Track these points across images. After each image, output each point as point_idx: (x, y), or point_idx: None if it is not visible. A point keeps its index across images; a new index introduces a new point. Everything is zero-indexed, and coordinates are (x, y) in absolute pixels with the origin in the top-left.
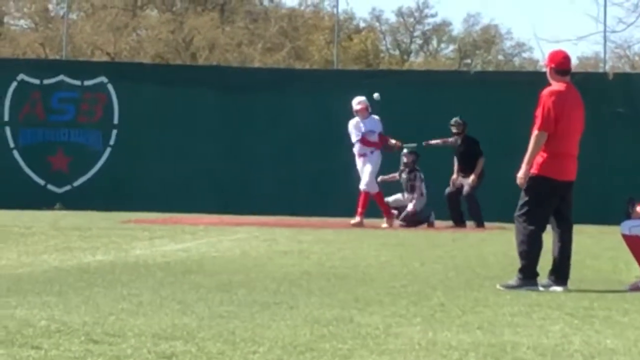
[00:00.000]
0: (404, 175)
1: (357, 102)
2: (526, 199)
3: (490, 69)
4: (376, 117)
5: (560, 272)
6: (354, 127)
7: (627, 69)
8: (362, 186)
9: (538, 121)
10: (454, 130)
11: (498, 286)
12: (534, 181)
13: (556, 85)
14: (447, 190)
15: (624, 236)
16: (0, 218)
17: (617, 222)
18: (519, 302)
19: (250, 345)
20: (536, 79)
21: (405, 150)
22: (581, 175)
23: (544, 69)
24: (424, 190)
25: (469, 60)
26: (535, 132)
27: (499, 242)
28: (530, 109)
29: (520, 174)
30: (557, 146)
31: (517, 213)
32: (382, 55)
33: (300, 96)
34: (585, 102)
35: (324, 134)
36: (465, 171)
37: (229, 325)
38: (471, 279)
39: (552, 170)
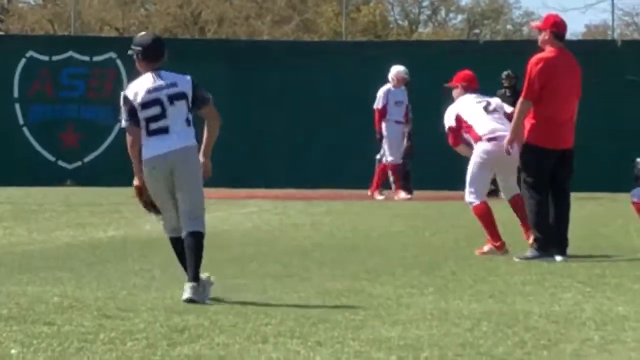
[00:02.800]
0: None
1: (397, 71)
2: (522, 168)
3: (499, 38)
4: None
5: (558, 242)
6: (382, 94)
7: (636, 36)
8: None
9: (524, 89)
10: (505, 84)
11: (515, 258)
12: (524, 149)
13: (546, 52)
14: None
15: (634, 203)
16: (11, 195)
17: (629, 189)
18: (530, 270)
19: (262, 318)
20: None
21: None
22: (593, 142)
23: (534, 33)
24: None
25: (477, 30)
26: (520, 100)
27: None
28: None
29: (505, 141)
30: (545, 113)
31: (520, 183)
32: (390, 26)
33: (311, 69)
34: (595, 70)
35: (335, 106)
36: None
37: (241, 298)
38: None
39: (540, 138)
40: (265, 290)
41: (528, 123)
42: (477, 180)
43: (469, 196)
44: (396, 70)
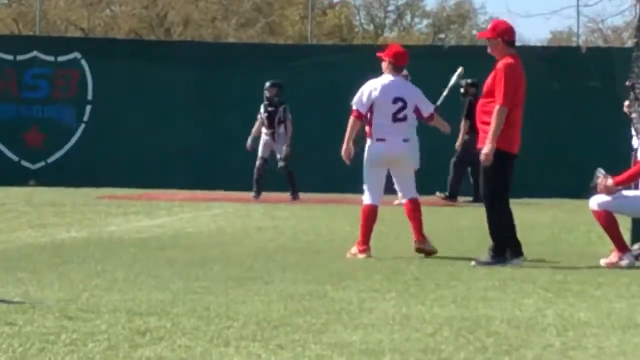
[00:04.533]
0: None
1: None
2: (489, 175)
3: (465, 43)
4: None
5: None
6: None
7: (600, 43)
8: None
9: (500, 96)
10: (469, 91)
11: (472, 263)
12: (497, 156)
13: (509, 58)
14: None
15: (593, 212)
16: None
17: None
18: (492, 276)
19: (224, 321)
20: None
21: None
22: (557, 149)
23: (478, 42)
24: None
25: (442, 35)
26: (497, 108)
27: (473, 215)
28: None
29: (486, 150)
30: (512, 118)
31: (483, 192)
32: (356, 30)
33: (274, 71)
34: (560, 76)
35: (296, 108)
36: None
37: (203, 300)
38: (445, 253)
39: (510, 144)
40: (228, 293)
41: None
42: (367, 180)
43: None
44: None
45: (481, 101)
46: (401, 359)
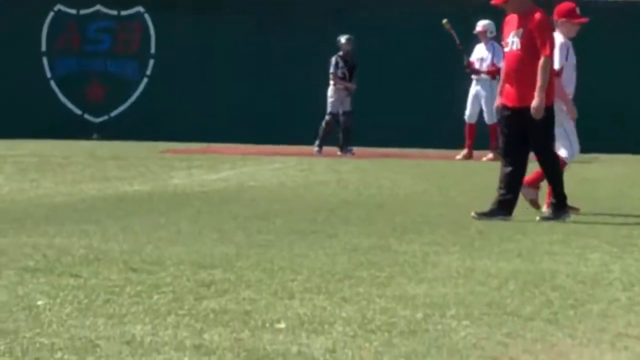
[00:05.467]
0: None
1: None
2: (546, 130)
3: None
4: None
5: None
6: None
7: None
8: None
9: (547, 47)
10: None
11: (537, 218)
12: (549, 111)
13: (538, 10)
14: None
15: None
16: (38, 148)
17: None
18: (557, 230)
19: (288, 274)
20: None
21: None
22: (622, 104)
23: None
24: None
25: None
26: (545, 59)
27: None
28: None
29: (537, 104)
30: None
31: (539, 147)
32: None
33: (331, 28)
34: (626, 32)
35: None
36: None
37: (267, 254)
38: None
39: (549, 97)
40: (292, 247)
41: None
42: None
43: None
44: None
45: (516, 54)
46: (466, 312)
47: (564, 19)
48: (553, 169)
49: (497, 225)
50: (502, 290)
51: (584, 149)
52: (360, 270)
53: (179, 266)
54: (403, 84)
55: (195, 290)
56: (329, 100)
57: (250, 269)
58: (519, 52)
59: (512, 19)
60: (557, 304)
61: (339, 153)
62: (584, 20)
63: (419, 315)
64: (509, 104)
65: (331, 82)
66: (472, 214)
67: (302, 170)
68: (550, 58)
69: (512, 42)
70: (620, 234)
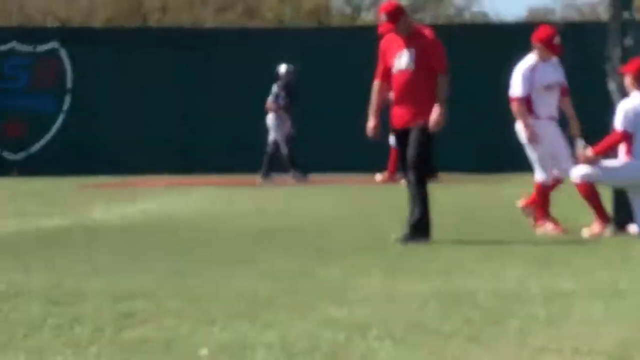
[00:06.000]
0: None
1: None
2: (425, 145)
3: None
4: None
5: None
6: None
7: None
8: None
9: (443, 63)
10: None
11: (394, 237)
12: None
13: (427, 28)
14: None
15: (575, 183)
16: None
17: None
18: (475, 249)
19: (210, 301)
20: (491, 30)
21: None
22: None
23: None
24: None
25: (419, 15)
26: (444, 76)
27: (454, 192)
28: (481, 61)
29: (438, 116)
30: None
31: (415, 163)
32: (333, 12)
33: (253, 54)
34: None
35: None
36: None
37: (189, 282)
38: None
39: None
40: (213, 275)
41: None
42: None
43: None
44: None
45: (407, 74)
46: (388, 332)
47: (539, 44)
48: (419, 189)
49: (417, 247)
50: (423, 310)
51: (501, 168)
52: (282, 296)
53: (100, 298)
54: (320, 111)
55: (117, 321)
56: (271, 128)
57: (171, 297)
58: (411, 72)
59: (394, 41)
60: (478, 322)
61: (258, 181)
62: (557, 51)
63: (341, 337)
64: (400, 126)
65: (271, 111)
66: (394, 237)
67: (223, 200)
68: (447, 74)
69: (401, 63)
70: (538, 251)
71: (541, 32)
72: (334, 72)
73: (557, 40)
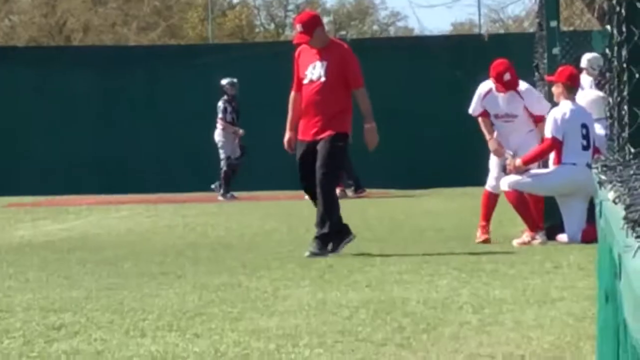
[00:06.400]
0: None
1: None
2: (340, 156)
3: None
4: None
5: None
6: None
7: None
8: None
9: (358, 77)
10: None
11: (306, 254)
12: (343, 138)
13: (341, 42)
14: None
15: (505, 192)
16: None
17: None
18: (405, 260)
19: (139, 314)
20: (416, 44)
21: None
22: (460, 137)
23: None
24: None
25: (344, 32)
26: (363, 89)
27: (382, 206)
28: (405, 75)
29: (372, 127)
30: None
31: (327, 175)
32: (257, 30)
33: (176, 72)
34: (462, 65)
35: (202, 109)
36: None
37: (117, 296)
38: (358, 241)
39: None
40: (141, 288)
41: (347, 112)
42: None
43: None
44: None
45: (318, 86)
46: (319, 341)
47: (492, 79)
48: (327, 198)
49: (346, 258)
50: (354, 318)
51: (428, 184)
52: (212, 307)
53: (29, 311)
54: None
55: (46, 334)
56: (220, 144)
57: (101, 310)
58: (322, 83)
59: (308, 52)
60: (409, 329)
61: (220, 198)
62: (504, 88)
63: (272, 346)
64: (309, 139)
65: (219, 127)
66: (306, 254)
67: (149, 217)
68: (363, 88)
69: (313, 74)
70: (469, 261)
71: (493, 67)
72: (260, 87)
73: (507, 77)
